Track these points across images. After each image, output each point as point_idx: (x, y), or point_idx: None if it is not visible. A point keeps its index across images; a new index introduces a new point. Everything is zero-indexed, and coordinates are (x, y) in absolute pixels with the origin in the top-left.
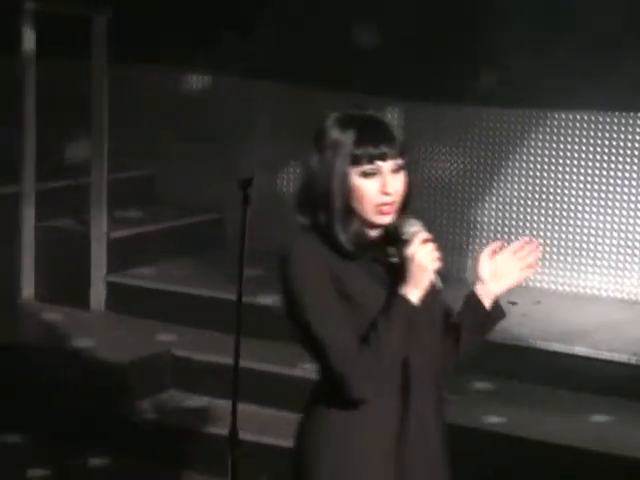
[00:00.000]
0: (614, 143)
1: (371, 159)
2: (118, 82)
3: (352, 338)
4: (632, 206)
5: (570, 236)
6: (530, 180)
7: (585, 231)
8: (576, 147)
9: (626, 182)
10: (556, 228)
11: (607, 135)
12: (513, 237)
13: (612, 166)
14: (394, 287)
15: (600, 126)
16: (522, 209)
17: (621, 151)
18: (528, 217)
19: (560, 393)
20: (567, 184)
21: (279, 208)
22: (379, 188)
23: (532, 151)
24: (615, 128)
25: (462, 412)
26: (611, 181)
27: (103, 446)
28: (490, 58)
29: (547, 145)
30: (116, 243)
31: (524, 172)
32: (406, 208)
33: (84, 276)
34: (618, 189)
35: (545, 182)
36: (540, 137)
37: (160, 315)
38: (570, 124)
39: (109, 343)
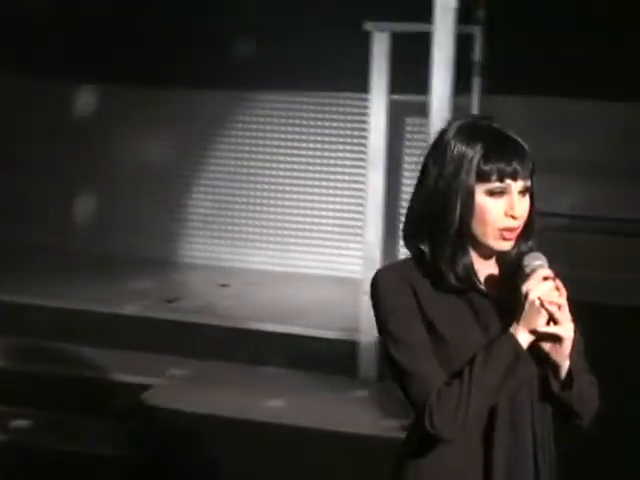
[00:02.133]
0: (334, 124)
1: (501, 176)
2: None
3: (439, 370)
4: (353, 186)
5: (281, 217)
6: (242, 162)
7: (301, 212)
8: (289, 128)
9: (346, 163)
10: (266, 210)
11: (325, 117)
12: (223, 220)
13: (332, 147)
14: (499, 323)
15: (312, 107)
16: (233, 191)
17: (341, 132)
18: (238, 199)
19: (273, 372)
20: (281, 165)
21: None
22: (505, 210)
23: (242, 133)
24: (331, 109)
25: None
26: (331, 162)
27: None
28: (205, 42)
29: (260, 127)
30: None
31: (234, 154)
32: (527, 237)
33: None
34: (338, 169)
35: (256, 164)
36: (252, 119)
37: None
38: (283, 105)
39: None
